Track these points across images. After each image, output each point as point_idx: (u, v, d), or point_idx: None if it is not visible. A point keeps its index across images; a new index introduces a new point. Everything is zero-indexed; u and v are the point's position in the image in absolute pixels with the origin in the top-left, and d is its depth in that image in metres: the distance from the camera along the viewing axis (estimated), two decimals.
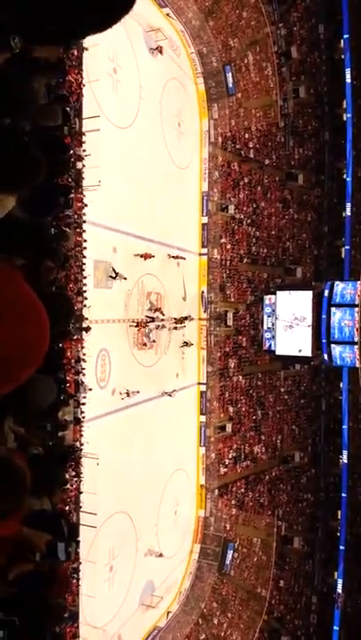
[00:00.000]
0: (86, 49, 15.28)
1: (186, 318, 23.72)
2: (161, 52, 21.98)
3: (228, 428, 25.98)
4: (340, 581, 26.25)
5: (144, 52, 21.20)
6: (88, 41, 15.56)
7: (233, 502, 25.82)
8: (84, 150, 15.48)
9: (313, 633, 26.31)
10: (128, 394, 19.65)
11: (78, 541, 3.93)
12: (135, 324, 20.20)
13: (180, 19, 23.44)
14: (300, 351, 27.23)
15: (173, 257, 22.97)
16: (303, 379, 29.44)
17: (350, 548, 26.72)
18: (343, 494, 27.26)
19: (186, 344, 23.87)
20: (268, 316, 27.68)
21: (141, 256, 20.46)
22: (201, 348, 25.68)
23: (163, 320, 22.16)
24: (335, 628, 25.71)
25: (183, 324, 23.58)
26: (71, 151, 14.14)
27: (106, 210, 17.77)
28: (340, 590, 26.17)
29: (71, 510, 14.54)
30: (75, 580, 14.99)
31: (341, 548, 26.77)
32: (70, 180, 14.05)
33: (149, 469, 20.86)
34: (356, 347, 26.17)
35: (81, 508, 15.34)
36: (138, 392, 20.05)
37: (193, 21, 23.91)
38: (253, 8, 25.18)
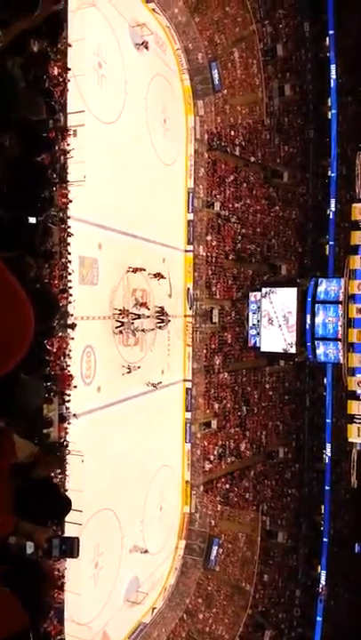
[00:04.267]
0: (70, 45, 15.13)
1: (166, 314, 23.50)
2: (147, 47, 21.86)
3: (214, 424, 26.07)
4: (323, 575, 26.57)
5: (129, 48, 21.07)
6: (73, 35, 15.46)
7: (218, 498, 25.95)
8: (68, 145, 15.36)
9: (297, 626, 26.63)
10: (130, 369, 19.87)
11: (77, 538, 3.93)
12: (119, 312, 20.11)
13: (166, 14, 23.34)
14: (288, 345, 27.48)
15: (154, 275, 22.58)
16: (288, 375, 29.65)
17: (334, 541, 27.08)
18: (327, 488, 27.56)
19: (153, 385, 22.68)
20: (254, 313, 27.82)
21: (133, 270, 20.55)
22: (186, 345, 25.72)
23: (148, 316, 22.12)
24: (318, 619, 26.05)
25: (167, 320, 23.47)
26: (56, 146, 14.03)
27: (91, 205, 17.66)
28: (323, 583, 26.50)
29: None
30: (60, 577, 14.97)
31: (325, 540, 27.10)
32: (55, 175, 13.95)
33: (135, 466, 20.86)
34: (339, 343, 26.43)
35: None
36: (139, 367, 20.27)
37: (179, 17, 23.83)
38: (239, 5, 25.19)
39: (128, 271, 20.52)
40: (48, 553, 3.80)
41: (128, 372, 20.15)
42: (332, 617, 25.95)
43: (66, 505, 3.88)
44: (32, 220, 5.19)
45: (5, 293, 2.02)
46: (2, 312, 1.95)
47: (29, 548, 3.44)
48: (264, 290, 27.49)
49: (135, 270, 20.73)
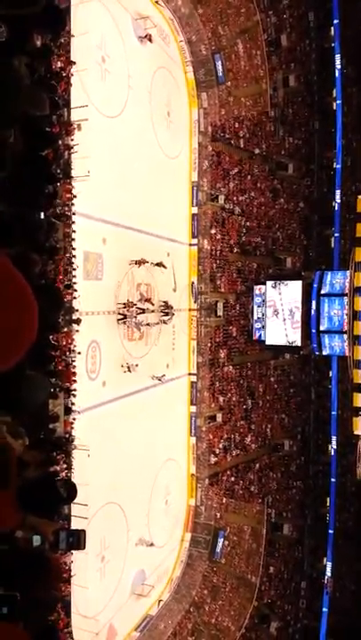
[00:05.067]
0: (73, 35, 15.06)
1: (171, 307, 23.55)
2: (150, 39, 21.72)
3: (219, 417, 26.11)
4: (329, 566, 26.64)
5: (133, 41, 20.95)
6: (76, 29, 15.38)
7: (223, 491, 26.02)
8: (72, 140, 15.31)
9: (303, 617, 26.76)
10: (129, 368, 19.83)
11: (84, 531, 3.96)
12: (123, 305, 20.11)
13: (169, 6, 23.16)
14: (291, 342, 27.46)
15: (156, 264, 22.56)
16: (293, 368, 29.61)
17: (339, 533, 27.12)
18: (332, 480, 27.58)
19: (158, 378, 22.60)
20: (258, 306, 27.76)
21: (136, 263, 20.44)
22: (191, 339, 25.71)
23: (153, 311, 22.12)
24: (324, 610, 26.15)
25: (172, 314, 23.45)
26: (60, 141, 13.99)
27: (95, 200, 17.63)
28: (329, 575, 26.58)
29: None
30: (67, 570, 15.08)
31: (330, 532, 27.15)
32: (59, 170, 13.92)
33: (140, 460, 20.94)
34: (345, 336, 26.35)
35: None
36: (137, 365, 20.22)
37: (182, 9, 23.63)
38: None
39: (131, 265, 20.45)
40: (55, 545, 3.83)
41: (128, 371, 20.07)
42: (337, 609, 26.03)
43: (71, 491, 3.90)
44: (37, 215, 5.18)
45: (11, 289, 2.03)
46: (7, 308, 1.96)
47: (36, 541, 3.47)
48: (273, 282, 27.39)
49: (139, 263, 20.65)
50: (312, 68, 28.18)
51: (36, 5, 2.56)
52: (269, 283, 27.52)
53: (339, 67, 27.10)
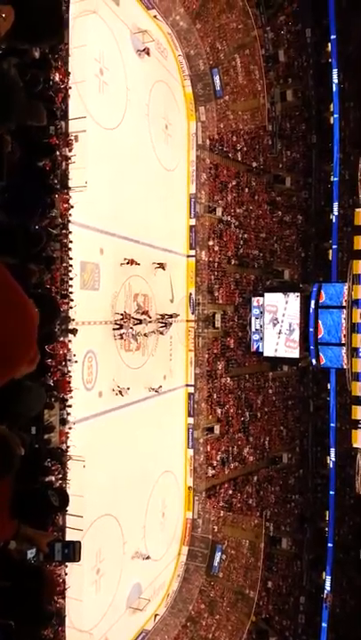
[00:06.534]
0: (71, 53, 15.21)
1: (171, 316, 23.65)
2: (148, 53, 21.99)
3: (216, 429, 25.99)
4: (328, 581, 26.36)
5: (131, 54, 21.20)
6: (74, 42, 15.56)
7: (221, 504, 25.82)
8: (70, 151, 15.42)
9: (302, 633, 26.40)
10: (121, 392, 19.63)
11: (79, 542, 3.90)
12: (120, 316, 20.06)
13: (168, 21, 23.48)
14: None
15: (158, 265, 22.75)
16: (291, 380, 29.56)
17: (338, 548, 26.87)
18: (331, 493, 27.40)
19: (155, 390, 22.72)
20: (257, 318, 27.78)
21: (128, 262, 20.43)
22: (189, 350, 25.68)
23: (150, 322, 22.12)
24: (323, 625, 25.82)
25: (170, 323, 23.46)
26: (57, 152, 14.08)
27: (92, 211, 17.72)
28: (328, 590, 26.28)
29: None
30: (61, 583, 14.90)
31: (330, 546, 26.91)
32: (56, 181, 13.99)
33: (137, 472, 20.80)
34: (343, 348, 26.35)
35: (67, 510, 15.25)
36: (128, 389, 20.07)
37: (180, 23, 23.96)
38: (241, 11, 25.29)
39: (122, 264, 20.26)
40: (50, 557, 3.79)
41: (119, 395, 19.80)
42: (337, 624, 25.70)
43: (63, 499, 3.87)
44: (34, 225, 5.21)
45: (10, 301, 2.02)
46: (7, 319, 1.95)
47: (30, 553, 3.43)
48: (283, 293, 27.41)
49: (131, 262, 20.53)
50: (310, 83, 28.48)
51: (56, 38, 2.54)
52: (267, 296, 27.52)
53: (336, 82, 27.41)
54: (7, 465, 2.46)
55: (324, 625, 25.89)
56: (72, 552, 3.97)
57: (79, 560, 4.08)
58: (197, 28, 24.44)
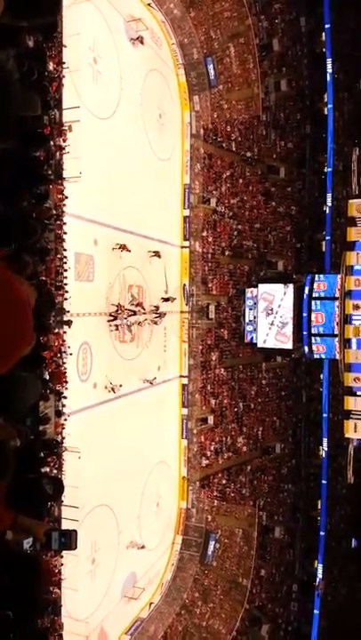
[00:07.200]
0: (65, 46, 15.03)
1: (168, 299, 23.66)
2: (142, 42, 21.76)
3: (210, 420, 26.11)
4: (320, 569, 26.69)
5: (125, 43, 20.98)
6: (68, 30, 15.37)
7: (215, 493, 26.01)
8: (63, 141, 15.29)
9: (294, 620, 26.76)
10: (113, 389, 19.64)
11: (75, 531, 3.93)
12: (115, 307, 20.02)
13: (162, 9, 23.23)
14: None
15: (153, 253, 22.79)
16: (284, 371, 29.69)
17: (330, 536, 27.18)
18: (323, 483, 27.66)
19: (149, 382, 22.79)
20: (250, 309, 27.83)
21: (120, 247, 20.27)
22: (182, 341, 25.72)
23: (144, 313, 22.11)
24: (315, 612, 26.18)
25: (164, 313, 23.46)
26: (51, 142, 13.96)
27: (87, 202, 17.61)
28: (320, 578, 26.62)
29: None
30: (57, 573, 14.99)
31: (322, 535, 27.21)
32: (50, 171, 13.88)
33: (131, 462, 20.89)
34: (336, 339, 26.48)
35: (62, 501, 15.30)
36: (121, 385, 20.05)
37: (174, 12, 23.71)
38: (235, 0, 25.08)
39: (114, 248, 20.08)
40: (47, 546, 3.83)
41: (112, 392, 19.78)
42: (329, 611, 26.07)
43: (57, 488, 3.89)
44: (28, 216, 5.18)
45: (6, 293, 2.02)
46: (3, 312, 1.95)
47: (26, 543, 3.45)
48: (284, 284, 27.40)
49: (122, 247, 20.32)
50: (304, 72, 28.34)
51: (53, 15, 2.52)
52: (261, 287, 27.56)
53: (330, 71, 27.29)
54: (2, 471, 2.47)
55: (316, 612, 26.26)
56: (68, 540, 4.02)
57: (75, 548, 4.13)
58: (191, 17, 24.20)
